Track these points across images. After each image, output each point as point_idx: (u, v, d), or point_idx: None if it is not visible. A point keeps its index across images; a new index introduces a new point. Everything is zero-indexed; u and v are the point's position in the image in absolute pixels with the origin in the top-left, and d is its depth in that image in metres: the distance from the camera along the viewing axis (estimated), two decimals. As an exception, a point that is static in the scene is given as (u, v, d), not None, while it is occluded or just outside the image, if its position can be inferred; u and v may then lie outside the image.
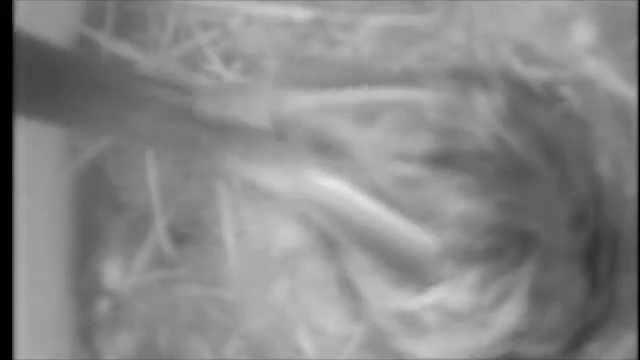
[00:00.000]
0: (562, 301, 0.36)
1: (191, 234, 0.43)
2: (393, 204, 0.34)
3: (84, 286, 0.43)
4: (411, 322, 0.36)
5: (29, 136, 0.37)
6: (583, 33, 0.42)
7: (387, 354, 0.40)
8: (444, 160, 0.35)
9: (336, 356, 0.42)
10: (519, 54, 0.39)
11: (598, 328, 0.36)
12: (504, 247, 0.35)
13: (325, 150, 0.35)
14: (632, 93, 0.40)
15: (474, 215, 0.34)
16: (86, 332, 0.43)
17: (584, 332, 0.36)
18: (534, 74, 0.38)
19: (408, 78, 0.36)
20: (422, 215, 0.34)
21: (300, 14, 0.44)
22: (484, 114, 0.35)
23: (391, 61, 0.41)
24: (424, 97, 0.36)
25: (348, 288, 0.39)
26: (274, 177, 0.36)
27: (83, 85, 0.34)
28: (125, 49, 0.44)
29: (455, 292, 0.35)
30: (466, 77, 0.36)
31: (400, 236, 0.34)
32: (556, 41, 0.42)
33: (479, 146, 0.35)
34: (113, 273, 0.43)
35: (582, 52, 0.42)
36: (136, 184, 0.43)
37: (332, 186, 0.35)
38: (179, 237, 0.43)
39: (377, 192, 0.34)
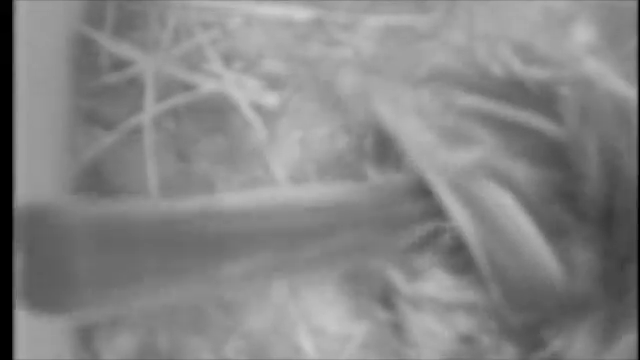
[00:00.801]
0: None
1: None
2: (540, 225, 0.35)
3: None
4: None
5: (29, 136, 0.37)
6: (583, 33, 0.42)
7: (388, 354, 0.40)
8: (571, 200, 0.35)
9: (336, 356, 0.42)
10: (519, 54, 0.39)
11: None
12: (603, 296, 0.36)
13: None
14: (632, 93, 0.40)
15: (594, 267, 0.35)
16: (86, 332, 0.43)
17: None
18: (534, 74, 0.38)
19: (544, 108, 0.37)
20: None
21: (300, 14, 0.44)
22: (594, 155, 0.35)
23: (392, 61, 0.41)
24: (558, 132, 0.36)
25: None
26: None
27: None
28: (125, 49, 0.44)
29: (577, 344, 0.35)
30: (582, 118, 0.37)
31: (540, 263, 0.35)
32: (556, 41, 0.42)
33: (594, 191, 0.35)
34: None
35: (582, 52, 0.42)
36: (136, 184, 0.43)
37: (499, 196, 0.35)
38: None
39: (530, 210, 0.35)
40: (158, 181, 0.43)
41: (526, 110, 0.36)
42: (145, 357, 0.43)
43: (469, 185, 0.35)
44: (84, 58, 0.44)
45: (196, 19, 0.44)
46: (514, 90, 0.37)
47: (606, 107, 0.38)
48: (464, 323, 0.37)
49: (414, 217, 0.35)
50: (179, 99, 0.43)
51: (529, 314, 0.35)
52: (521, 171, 0.35)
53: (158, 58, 0.43)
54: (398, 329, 0.39)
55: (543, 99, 0.37)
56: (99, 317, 0.39)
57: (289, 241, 0.33)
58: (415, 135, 0.36)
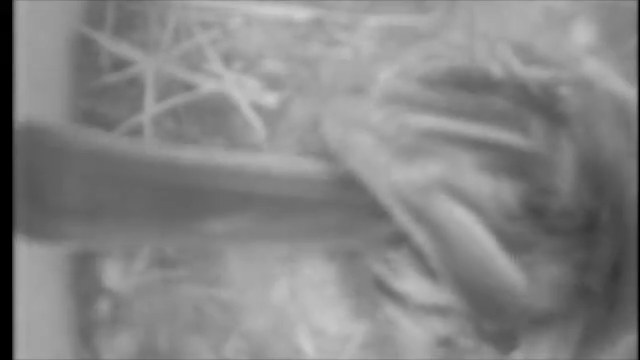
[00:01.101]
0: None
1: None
2: (503, 240, 0.34)
3: (84, 286, 0.43)
4: None
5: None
6: (583, 33, 0.42)
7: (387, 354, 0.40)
8: (538, 214, 0.35)
9: (336, 356, 0.42)
10: (519, 54, 0.39)
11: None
12: (575, 308, 0.35)
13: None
14: (632, 93, 0.40)
15: (562, 279, 0.35)
16: (86, 332, 0.43)
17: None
18: (534, 74, 0.38)
19: (508, 120, 0.36)
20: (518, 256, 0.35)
21: (300, 14, 0.44)
22: (568, 169, 0.35)
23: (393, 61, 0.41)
24: (523, 144, 0.36)
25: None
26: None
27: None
28: (125, 49, 0.44)
29: (538, 353, 0.35)
30: (554, 131, 0.36)
31: (503, 278, 0.35)
32: (556, 41, 0.42)
33: (564, 205, 0.35)
34: (113, 273, 0.43)
35: (582, 52, 0.42)
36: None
37: (458, 213, 0.35)
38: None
39: (491, 226, 0.34)
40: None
41: (491, 124, 0.36)
42: (145, 357, 0.43)
43: (423, 203, 0.34)
44: (84, 58, 0.44)
45: (196, 19, 0.44)
46: (480, 104, 0.37)
47: (606, 107, 0.38)
48: (441, 326, 0.37)
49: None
50: (179, 99, 0.43)
51: (498, 322, 0.35)
52: (483, 186, 0.35)
53: (158, 58, 0.43)
54: (394, 327, 0.39)
55: (509, 111, 0.36)
56: (86, 248, 0.40)
57: (274, 208, 0.34)
58: (366, 154, 0.35)
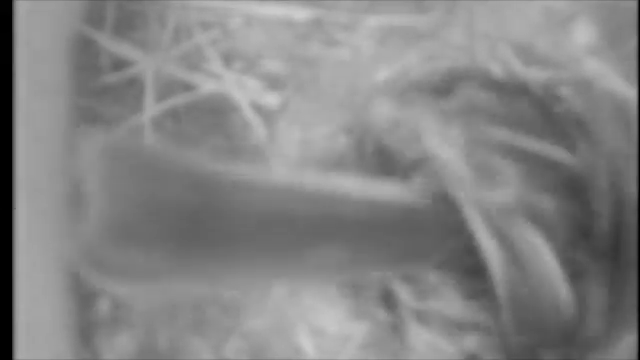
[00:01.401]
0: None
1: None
2: (565, 266, 0.35)
3: (84, 286, 0.43)
4: None
5: (29, 136, 0.37)
6: (583, 33, 0.42)
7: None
8: (586, 238, 0.35)
9: (336, 356, 0.42)
10: (519, 54, 0.39)
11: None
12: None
13: None
14: (632, 93, 0.40)
15: (605, 304, 0.35)
16: (86, 332, 0.43)
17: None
18: (534, 74, 0.38)
19: (558, 138, 0.36)
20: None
21: (300, 14, 0.44)
22: (605, 190, 0.35)
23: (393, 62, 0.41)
24: (571, 162, 0.36)
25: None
26: None
27: None
28: (125, 49, 0.44)
29: None
30: (593, 151, 0.36)
31: (561, 307, 0.34)
32: (556, 41, 0.42)
33: (606, 228, 0.35)
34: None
35: (582, 52, 0.42)
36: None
37: (531, 236, 0.35)
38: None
39: (558, 251, 0.35)
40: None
41: (544, 139, 0.36)
42: (145, 357, 0.43)
43: (505, 224, 0.34)
44: (84, 58, 0.44)
45: (196, 19, 0.44)
46: (535, 118, 0.37)
47: (606, 107, 0.38)
48: (469, 341, 0.36)
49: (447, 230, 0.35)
50: (179, 99, 0.43)
51: (531, 336, 0.35)
52: (549, 207, 0.34)
53: (158, 58, 0.44)
54: (397, 331, 0.39)
55: (561, 124, 0.36)
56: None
57: (366, 234, 0.32)
58: (453, 168, 0.35)
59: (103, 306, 0.43)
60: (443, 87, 0.37)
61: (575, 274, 0.34)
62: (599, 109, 0.38)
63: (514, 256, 0.34)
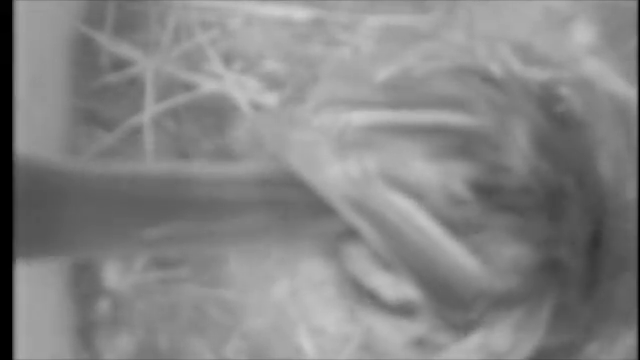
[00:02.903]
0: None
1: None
2: (448, 225, 0.34)
3: (84, 286, 0.43)
4: None
5: (29, 136, 0.37)
6: (583, 33, 0.42)
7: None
8: (488, 193, 0.35)
9: (336, 356, 0.42)
10: (519, 54, 0.39)
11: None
12: (543, 285, 0.35)
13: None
14: (632, 93, 0.40)
15: (524, 257, 0.34)
16: (86, 332, 0.43)
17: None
18: (534, 74, 0.38)
19: (453, 103, 0.36)
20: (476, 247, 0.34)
21: (300, 14, 0.44)
22: (522, 145, 0.35)
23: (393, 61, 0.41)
24: (469, 123, 0.35)
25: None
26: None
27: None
28: (125, 49, 0.44)
29: (498, 333, 0.35)
30: (503, 108, 0.36)
31: (454, 264, 0.34)
32: (556, 41, 0.42)
33: (520, 182, 0.34)
34: (113, 273, 0.43)
35: (582, 52, 0.42)
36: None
37: (399, 203, 0.34)
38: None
39: (435, 212, 0.34)
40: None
41: (434, 109, 0.36)
42: (145, 357, 0.43)
43: (361, 194, 0.34)
44: (84, 58, 0.44)
45: (196, 19, 0.44)
46: (421, 93, 0.37)
47: (606, 107, 0.38)
48: (411, 327, 0.36)
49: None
50: (179, 99, 0.43)
51: (458, 310, 0.35)
52: (427, 172, 0.34)
53: (158, 58, 0.43)
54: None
55: (451, 93, 0.36)
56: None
57: (209, 212, 0.34)
58: (305, 151, 0.35)
59: (103, 306, 0.43)
60: None
61: (471, 230, 0.34)
62: (599, 109, 0.38)
63: (382, 225, 0.34)
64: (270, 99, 0.43)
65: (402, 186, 0.34)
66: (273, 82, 0.43)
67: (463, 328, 0.35)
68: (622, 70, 0.40)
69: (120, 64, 0.44)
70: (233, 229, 0.35)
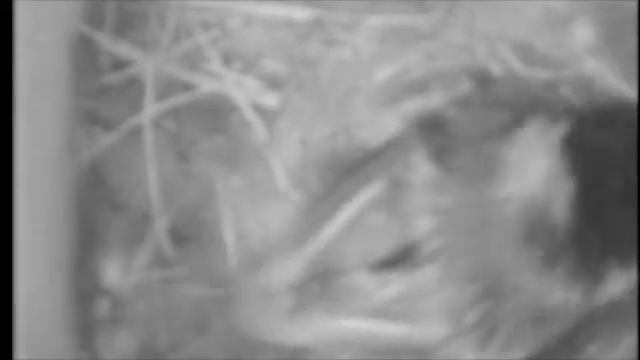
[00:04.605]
0: None
1: (191, 234, 0.43)
2: None
3: (84, 286, 0.43)
4: None
5: (29, 136, 0.37)
6: (583, 33, 0.43)
7: None
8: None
9: (336, 356, 0.42)
10: (519, 54, 0.39)
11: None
12: None
13: None
14: (632, 93, 0.40)
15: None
16: (86, 332, 0.43)
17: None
18: (534, 74, 0.38)
19: None
20: None
21: (300, 14, 0.44)
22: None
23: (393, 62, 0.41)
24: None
25: None
26: None
27: None
28: (125, 49, 0.44)
29: None
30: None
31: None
32: (556, 41, 0.42)
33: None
34: (113, 273, 0.43)
35: (582, 52, 0.42)
36: (136, 184, 0.43)
37: None
38: (179, 237, 0.43)
39: None
40: (158, 181, 0.43)
41: None
42: (145, 357, 0.43)
43: None
44: (84, 58, 0.44)
45: (196, 19, 0.44)
46: None
47: (606, 107, 0.38)
48: None
49: None
50: (179, 99, 0.43)
51: None
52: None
53: (158, 58, 0.43)
54: None
55: None
56: None
57: None
58: None
59: (103, 306, 0.43)
60: None
61: None
62: (599, 109, 0.38)
63: None
64: (270, 99, 0.43)
65: None
66: (273, 82, 0.43)
67: None
68: (622, 70, 0.40)
69: (120, 64, 0.44)
70: None
